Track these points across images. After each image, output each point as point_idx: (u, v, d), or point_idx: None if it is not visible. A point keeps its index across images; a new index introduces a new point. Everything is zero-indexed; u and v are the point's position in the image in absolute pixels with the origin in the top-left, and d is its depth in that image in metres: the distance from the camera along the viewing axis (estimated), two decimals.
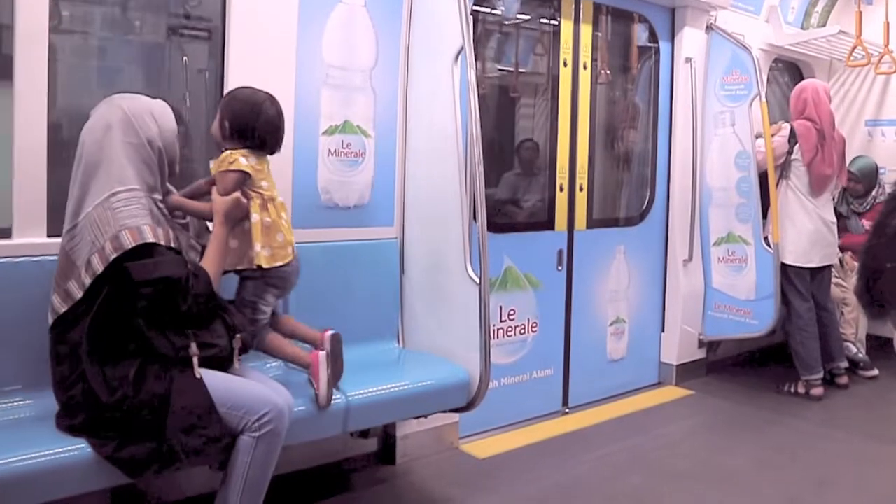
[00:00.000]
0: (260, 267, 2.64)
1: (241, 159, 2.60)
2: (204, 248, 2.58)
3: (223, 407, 2.36)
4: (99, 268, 2.26)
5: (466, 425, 3.90)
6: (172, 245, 2.37)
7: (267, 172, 2.70)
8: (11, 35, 2.56)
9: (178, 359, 2.35)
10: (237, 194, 2.59)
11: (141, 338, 2.32)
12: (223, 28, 3.08)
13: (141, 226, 2.29)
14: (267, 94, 2.72)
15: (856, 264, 4.79)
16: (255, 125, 2.64)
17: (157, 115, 2.46)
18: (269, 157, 2.74)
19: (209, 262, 2.49)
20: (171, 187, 2.61)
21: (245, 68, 3.08)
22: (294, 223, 3.19)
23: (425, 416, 3.25)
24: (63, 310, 2.32)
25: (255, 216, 2.63)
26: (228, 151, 2.63)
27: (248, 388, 2.46)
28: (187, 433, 2.28)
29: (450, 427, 3.83)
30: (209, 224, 2.68)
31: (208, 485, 2.68)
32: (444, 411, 3.24)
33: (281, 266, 2.69)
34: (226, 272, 2.64)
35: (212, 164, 2.70)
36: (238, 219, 2.60)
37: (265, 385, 2.56)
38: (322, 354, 2.73)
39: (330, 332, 2.81)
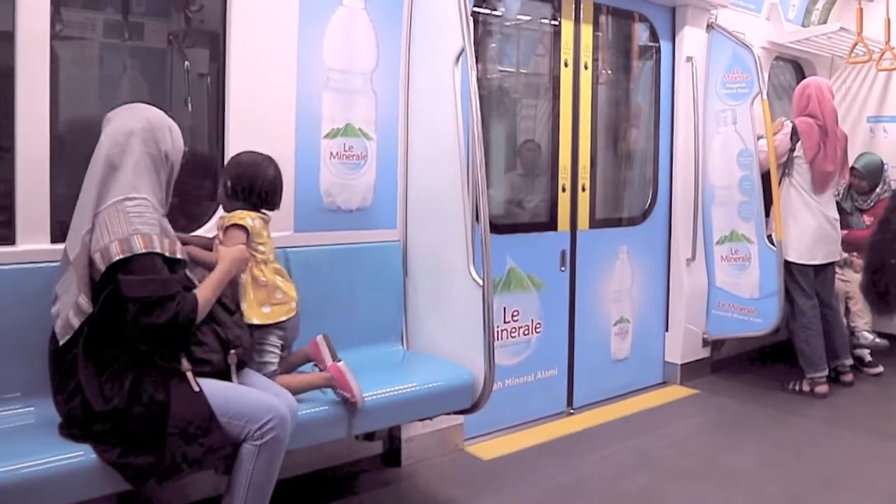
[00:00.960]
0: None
1: (247, 218, 2.76)
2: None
3: (224, 416, 2.36)
4: (101, 266, 2.26)
5: (471, 427, 3.90)
6: (179, 256, 2.39)
7: (267, 238, 2.82)
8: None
9: (173, 371, 2.35)
10: (243, 246, 2.69)
11: (135, 348, 2.32)
12: (224, 32, 3.09)
13: (152, 235, 2.31)
14: (266, 155, 2.86)
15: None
16: (255, 185, 2.80)
17: (173, 131, 2.51)
18: (269, 214, 2.88)
19: (202, 291, 2.48)
20: None
21: (246, 72, 3.09)
22: (296, 227, 3.22)
23: (430, 419, 3.25)
24: (79, 321, 2.29)
25: (243, 276, 2.75)
26: (236, 210, 2.77)
27: (250, 397, 2.46)
28: (187, 443, 2.28)
29: (455, 429, 3.83)
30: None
31: (214, 489, 2.68)
32: (449, 413, 3.24)
33: (282, 321, 2.79)
34: None
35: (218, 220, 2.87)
36: (241, 269, 2.69)
37: (268, 390, 2.56)
38: (342, 364, 2.79)
39: (320, 337, 2.88)
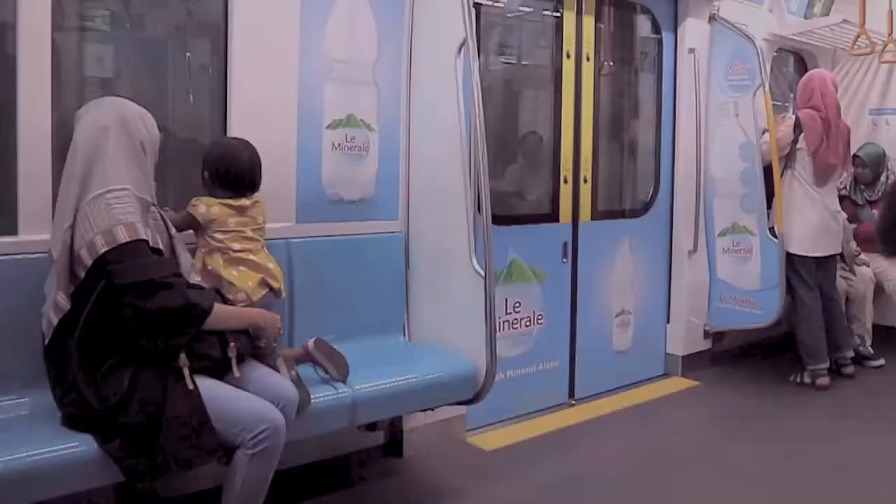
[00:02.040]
0: None
1: (201, 206, 2.77)
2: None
3: (220, 423, 2.34)
4: (88, 261, 2.26)
5: (473, 418, 3.91)
6: (160, 247, 2.39)
7: (235, 226, 2.78)
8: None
9: (170, 367, 2.34)
10: (278, 317, 2.68)
11: (132, 344, 2.31)
12: (226, 23, 3.08)
13: (136, 223, 2.31)
14: (239, 139, 2.87)
15: None
16: (231, 172, 2.80)
17: (146, 120, 2.50)
18: (255, 197, 2.86)
19: (222, 308, 2.48)
20: None
21: (248, 63, 3.09)
22: (298, 218, 3.22)
23: (432, 409, 3.25)
24: (58, 318, 2.29)
25: (196, 263, 2.74)
26: (201, 198, 2.80)
27: (247, 404, 2.43)
28: (179, 443, 2.27)
29: (456, 420, 3.83)
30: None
31: (216, 480, 2.68)
32: (451, 404, 3.24)
33: None
34: None
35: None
36: (266, 326, 2.63)
37: (269, 387, 2.53)
38: (311, 341, 2.83)
39: (312, 341, 2.87)
